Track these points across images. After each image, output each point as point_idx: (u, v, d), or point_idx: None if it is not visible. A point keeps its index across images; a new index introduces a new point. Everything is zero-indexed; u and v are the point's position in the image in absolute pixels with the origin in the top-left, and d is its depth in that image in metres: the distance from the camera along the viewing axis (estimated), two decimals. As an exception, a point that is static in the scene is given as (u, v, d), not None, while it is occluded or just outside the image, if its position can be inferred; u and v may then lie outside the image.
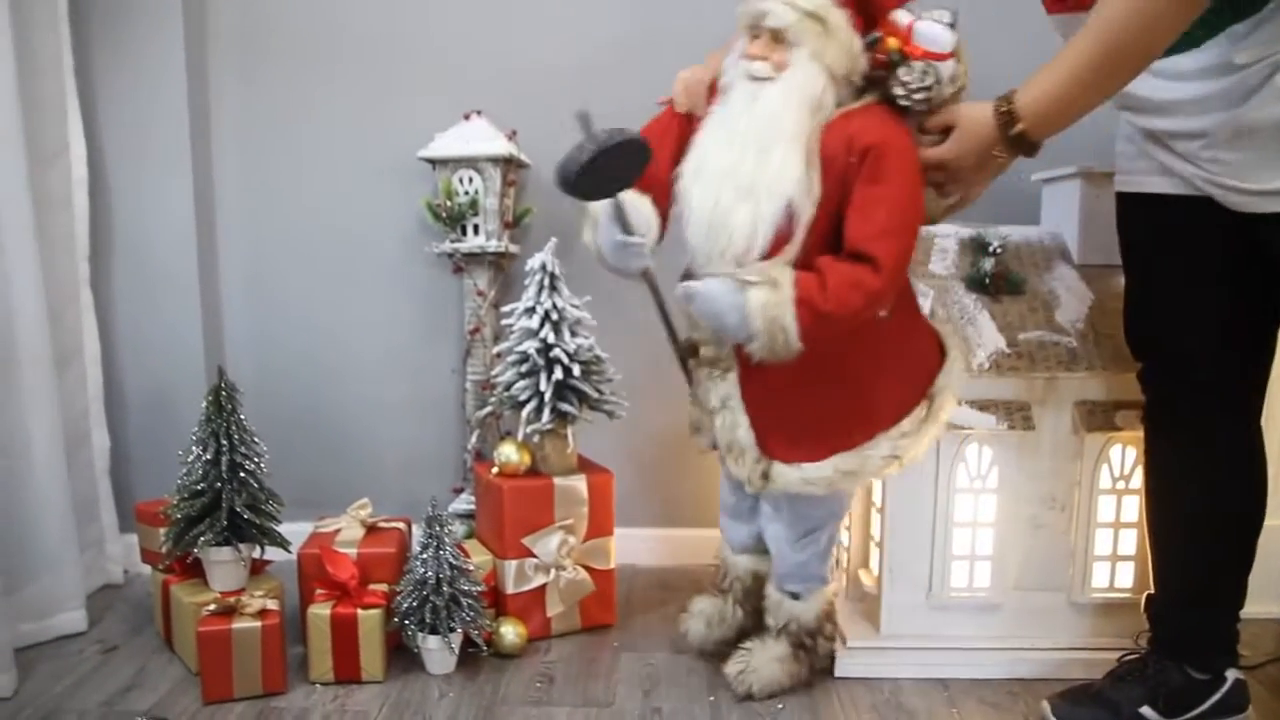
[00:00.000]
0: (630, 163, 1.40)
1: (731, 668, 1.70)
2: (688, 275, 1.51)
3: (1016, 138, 1.37)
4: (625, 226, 1.48)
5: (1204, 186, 1.38)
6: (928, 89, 1.42)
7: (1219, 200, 1.37)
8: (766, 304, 1.38)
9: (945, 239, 1.89)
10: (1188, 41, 1.31)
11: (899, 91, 1.43)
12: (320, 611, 1.73)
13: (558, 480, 1.92)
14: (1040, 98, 1.34)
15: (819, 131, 1.43)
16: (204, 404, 1.80)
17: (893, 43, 1.43)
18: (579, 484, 1.94)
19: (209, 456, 1.78)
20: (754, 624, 1.79)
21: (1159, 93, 1.38)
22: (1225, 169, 1.34)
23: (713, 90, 1.54)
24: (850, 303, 1.39)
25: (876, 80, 1.46)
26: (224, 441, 1.78)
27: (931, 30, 1.42)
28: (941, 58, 1.41)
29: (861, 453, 1.55)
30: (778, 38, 1.43)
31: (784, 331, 1.38)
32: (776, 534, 1.67)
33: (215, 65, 2.30)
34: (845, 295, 1.38)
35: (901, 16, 1.44)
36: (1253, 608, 1.58)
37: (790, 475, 1.55)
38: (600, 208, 1.50)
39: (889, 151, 1.41)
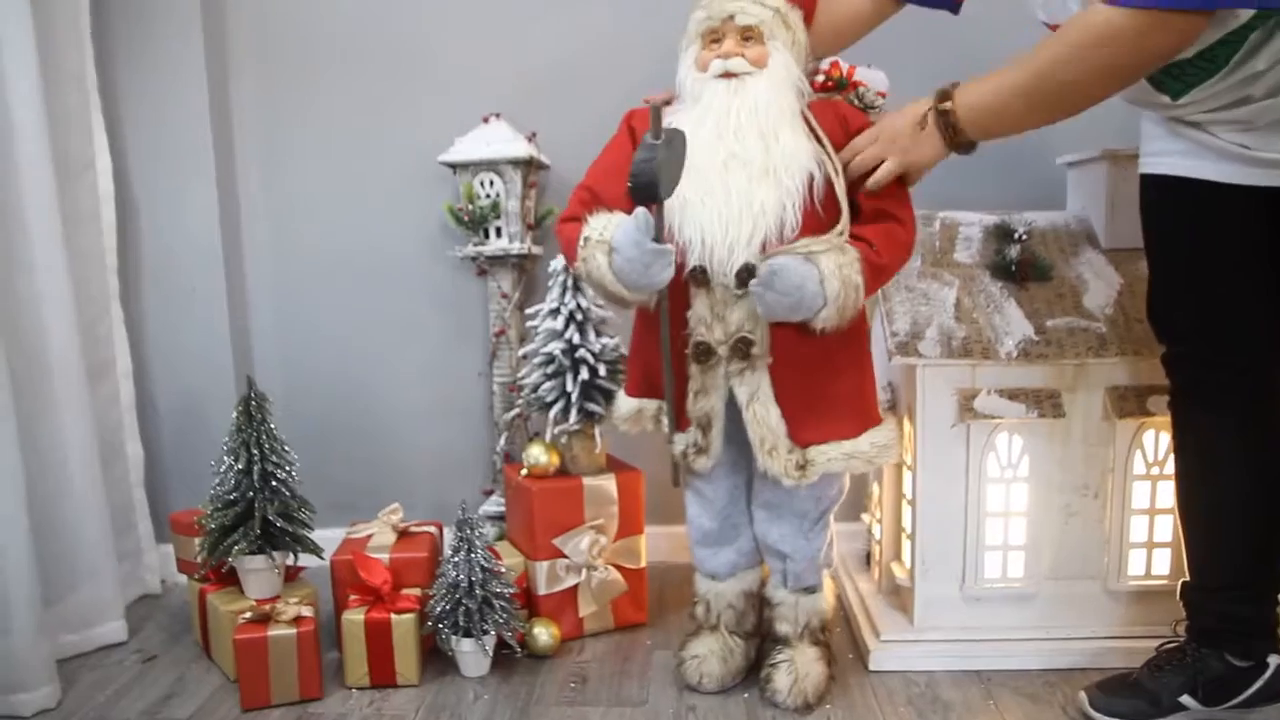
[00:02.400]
0: (681, 157, 1.39)
1: (781, 682, 1.64)
2: (696, 277, 1.50)
3: (943, 114, 1.42)
4: (659, 232, 1.42)
5: (1239, 165, 1.36)
6: (878, 106, 1.62)
7: (1255, 182, 1.35)
8: (841, 265, 1.44)
9: (970, 227, 1.88)
10: (1204, 73, 1.31)
11: (857, 102, 1.61)
12: (354, 617, 1.74)
13: (587, 480, 1.93)
14: (976, 93, 1.40)
15: (808, 113, 1.54)
16: (234, 414, 1.82)
17: (838, 71, 1.62)
18: (608, 483, 1.94)
19: (240, 466, 1.79)
20: (755, 647, 1.77)
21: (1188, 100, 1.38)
22: (1268, 145, 1.32)
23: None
24: (897, 254, 1.52)
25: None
26: (255, 451, 1.79)
27: (872, 74, 1.63)
28: (879, 95, 1.62)
29: (886, 428, 1.62)
30: (746, 35, 1.52)
31: (856, 290, 1.45)
32: (784, 532, 1.65)
33: (236, 77, 2.32)
34: (892, 248, 1.51)
35: (843, 65, 1.63)
36: (1293, 592, 1.56)
37: (831, 453, 1.55)
38: (626, 222, 1.45)
39: None
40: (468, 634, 1.75)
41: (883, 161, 1.48)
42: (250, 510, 1.79)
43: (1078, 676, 1.67)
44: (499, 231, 2.16)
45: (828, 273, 1.43)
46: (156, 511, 2.27)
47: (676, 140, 1.36)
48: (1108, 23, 1.23)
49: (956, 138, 1.42)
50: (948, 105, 1.42)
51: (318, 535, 1.87)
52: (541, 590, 1.90)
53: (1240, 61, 1.27)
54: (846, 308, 1.46)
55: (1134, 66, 1.27)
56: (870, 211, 1.53)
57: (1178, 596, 1.60)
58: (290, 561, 1.87)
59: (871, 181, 1.49)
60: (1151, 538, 1.76)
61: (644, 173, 1.33)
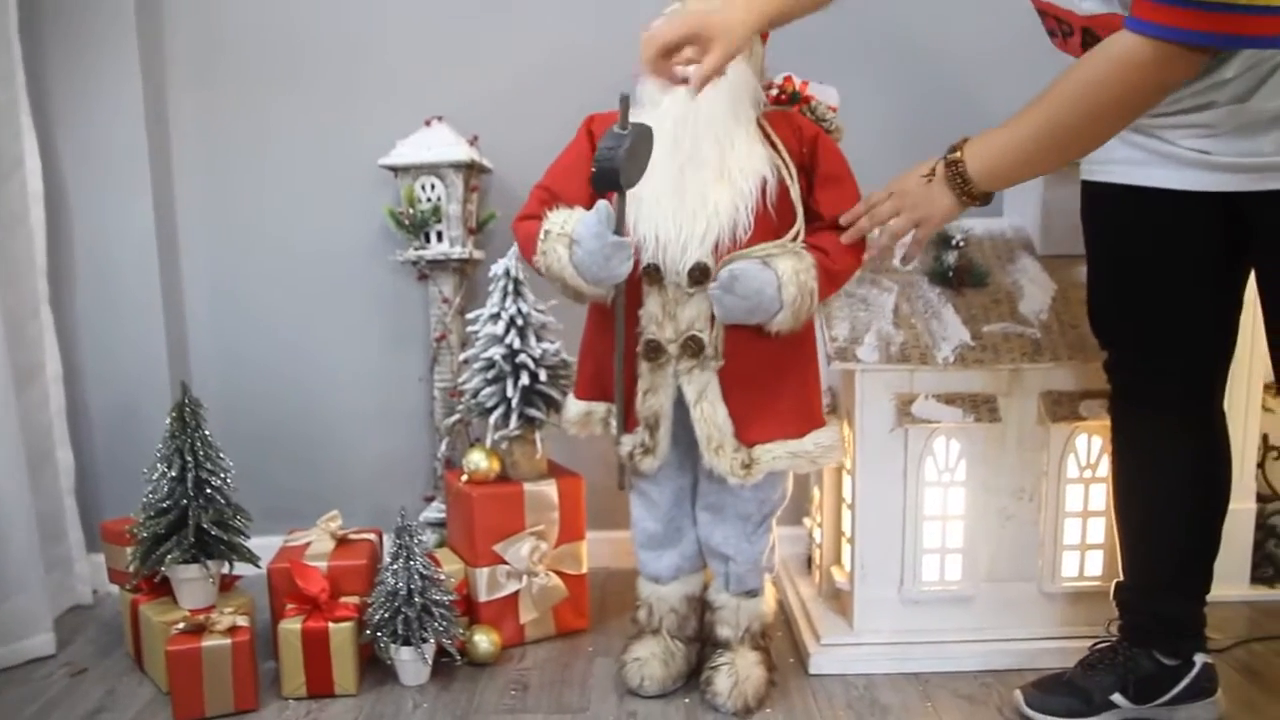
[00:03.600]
0: (647, 151, 1.40)
1: (722, 685, 1.64)
2: (649, 274, 1.52)
3: (951, 164, 1.41)
4: (619, 225, 1.44)
5: (1196, 171, 1.37)
6: (829, 120, 1.64)
7: (1213, 187, 1.36)
8: (798, 270, 1.48)
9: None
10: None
11: (810, 114, 1.63)
12: (291, 626, 1.71)
13: (528, 486, 1.91)
14: (985, 142, 1.39)
15: (764, 121, 1.57)
16: (168, 420, 1.78)
17: (791, 85, 1.65)
18: (549, 489, 1.93)
19: (174, 473, 1.76)
20: (696, 652, 1.76)
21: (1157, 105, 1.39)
22: (1229, 149, 1.33)
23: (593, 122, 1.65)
24: (849, 262, 1.56)
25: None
26: (189, 458, 1.76)
27: (824, 89, 1.66)
28: (830, 109, 1.65)
29: (829, 429, 1.64)
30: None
31: (811, 295, 1.50)
32: (727, 534, 1.66)
33: (173, 76, 2.27)
34: (844, 256, 1.54)
35: (795, 80, 1.66)
36: (1219, 591, 1.60)
37: (776, 451, 1.57)
38: (587, 215, 1.47)
39: (830, 142, 1.61)
40: (407, 642, 1.73)
41: (897, 215, 1.47)
42: (184, 518, 1.75)
43: (1014, 677, 1.70)
44: (440, 235, 2.14)
45: (785, 278, 1.47)
46: (88, 520, 2.21)
47: (643, 133, 1.37)
48: (1130, 51, 1.21)
49: (967, 187, 1.40)
50: (956, 155, 1.41)
51: (255, 543, 1.83)
52: (482, 597, 1.89)
53: (1210, 69, 1.29)
54: (801, 312, 1.50)
55: (1147, 97, 1.25)
56: (826, 220, 1.56)
57: (1111, 596, 1.63)
58: (225, 570, 1.84)
59: (887, 235, 1.49)
60: (1085, 540, 1.80)
61: (608, 159, 1.33)
